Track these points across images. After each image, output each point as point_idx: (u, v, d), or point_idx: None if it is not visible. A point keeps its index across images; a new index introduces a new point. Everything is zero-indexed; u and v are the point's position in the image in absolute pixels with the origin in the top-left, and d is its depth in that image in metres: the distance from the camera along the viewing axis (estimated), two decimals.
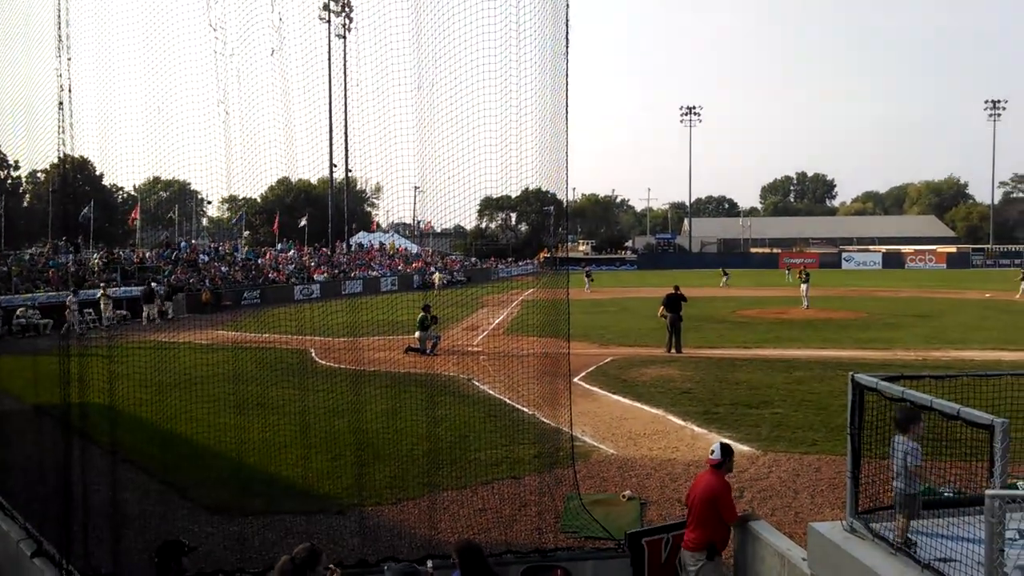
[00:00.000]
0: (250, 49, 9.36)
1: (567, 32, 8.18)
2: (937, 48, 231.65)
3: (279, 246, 61.48)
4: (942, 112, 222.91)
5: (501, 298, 40.22)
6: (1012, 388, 6.92)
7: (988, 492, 4.40)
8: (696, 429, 14.84)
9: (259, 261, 51.21)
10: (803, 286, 38.88)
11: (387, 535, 9.64)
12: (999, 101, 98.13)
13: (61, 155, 7.11)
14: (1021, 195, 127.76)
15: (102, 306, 31.75)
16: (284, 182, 79.14)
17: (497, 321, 31.74)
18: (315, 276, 50.74)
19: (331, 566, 6.76)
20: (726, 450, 7.73)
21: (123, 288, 36.83)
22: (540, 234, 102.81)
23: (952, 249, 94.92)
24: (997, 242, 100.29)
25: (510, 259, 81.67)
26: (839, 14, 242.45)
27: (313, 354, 23.31)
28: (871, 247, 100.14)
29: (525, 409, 15.61)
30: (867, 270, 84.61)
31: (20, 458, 11.83)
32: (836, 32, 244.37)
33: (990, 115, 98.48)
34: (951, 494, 6.38)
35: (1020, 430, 6.63)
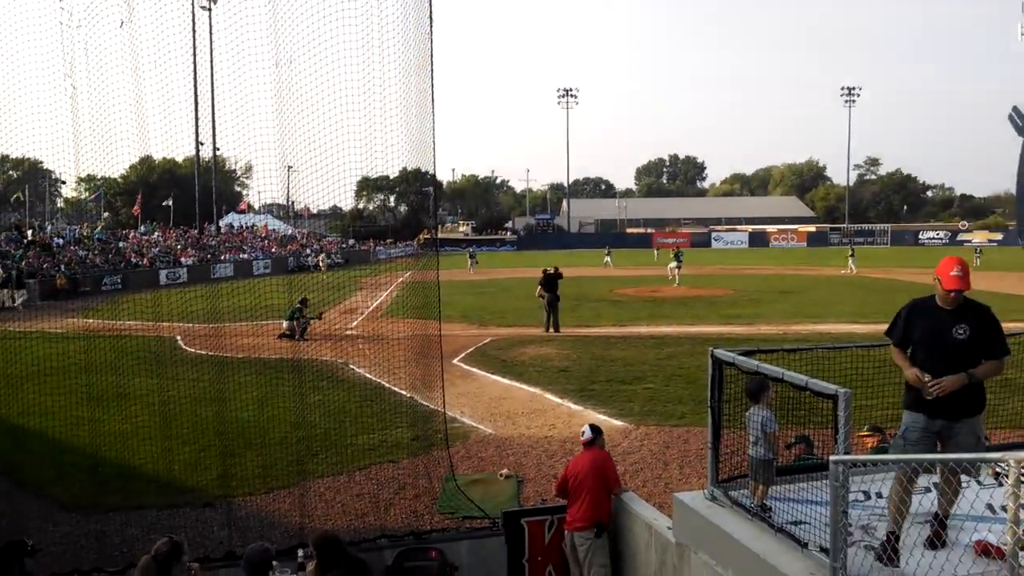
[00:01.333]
0: (99, 21, 8.76)
1: (431, 10, 8.05)
2: (799, 34, 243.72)
3: (142, 228, 58.41)
4: (804, 97, 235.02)
5: (380, 280, 39.67)
6: (862, 359, 7.39)
7: (832, 458, 4.65)
8: (572, 406, 15.12)
9: (121, 244, 48.48)
10: (672, 264, 40.26)
11: (258, 525, 9.36)
12: (854, 88, 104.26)
13: None
14: (873, 177, 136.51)
15: None
16: (146, 161, 75.13)
17: (375, 304, 31.31)
18: (182, 259, 48.53)
19: (192, 564, 6.50)
20: (595, 429, 7.99)
21: None
22: (419, 215, 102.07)
23: (812, 228, 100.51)
24: (852, 221, 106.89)
25: (389, 240, 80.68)
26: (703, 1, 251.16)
27: (180, 341, 22.30)
28: (738, 227, 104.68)
29: (403, 392, 15.48)
30: (735, 249, 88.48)
31: None
32: (707, 16, 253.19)
33: (846, 101, 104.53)
34: (814, 459, 6.74)
35: (877, 397, 7.10)
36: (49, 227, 51.93)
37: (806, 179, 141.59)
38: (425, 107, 8.41)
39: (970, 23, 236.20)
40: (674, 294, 35.97)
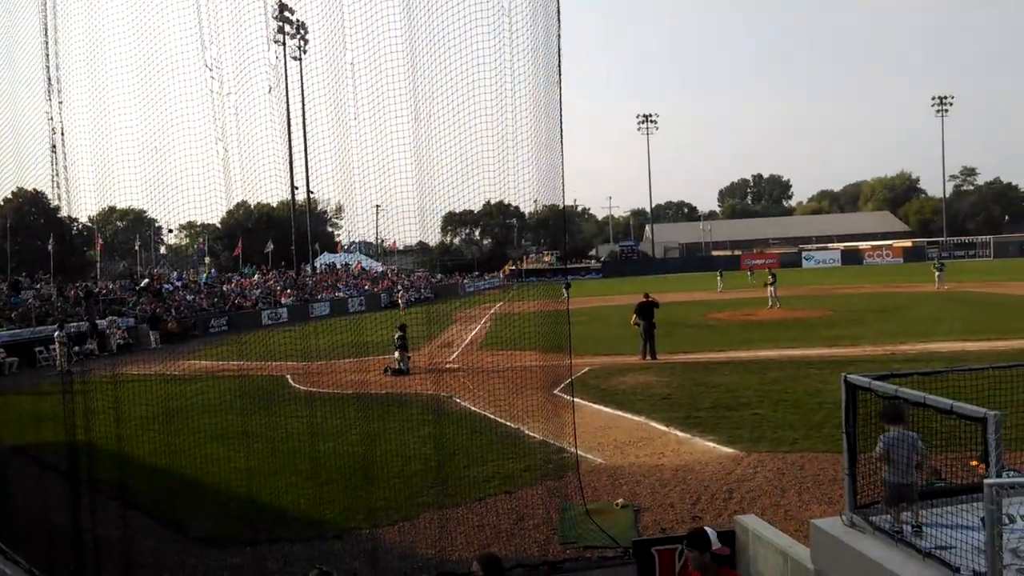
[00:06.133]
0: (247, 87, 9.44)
1: (559, 55, 8.36)
2: (880, 44, 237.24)
3: (244, 271, 60.89)
4: (891, 109, 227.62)
5: (471, 313, 40.29)
6: (993, 380, 7.26)
7: (987, 481, 4.64)
8: (680, 434, 15.07)
9: (224, 288, 50.66)
10: (770, 288, 39.50)
11: (387, 556, 9.70)
12: (946, 97, 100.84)
13: (57, 199, 7.12)
14: (970, 187, 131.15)
15: (57, 346, 30.59)
16: (242, 206, 78.47)
17: (470, 336, 31.81)
18: (282, 300, 50.34)
19: None
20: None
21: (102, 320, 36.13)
22: (504, 247, 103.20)
23: (907, 243, 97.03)
24: (950, 234, 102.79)
25: (476, 273, 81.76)
26: (786, 16, 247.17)
27: (290, 380, 23.18)
28: (830, 245, 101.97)
29: (509, 423, 15.77)
30: (827, 267, 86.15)
31: (8, 500, 11.66)
32: (781, 32, 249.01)
33: (937, 111, 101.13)
34: (942, 484, 6.66)
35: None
36: (176, 275, 54.62)
37: (898, 193, 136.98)
38: (553, 137, 8.70)
39: None
40: (771, 317, 35.34)
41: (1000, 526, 4.76)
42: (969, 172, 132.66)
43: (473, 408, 17.87)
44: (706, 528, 5.79)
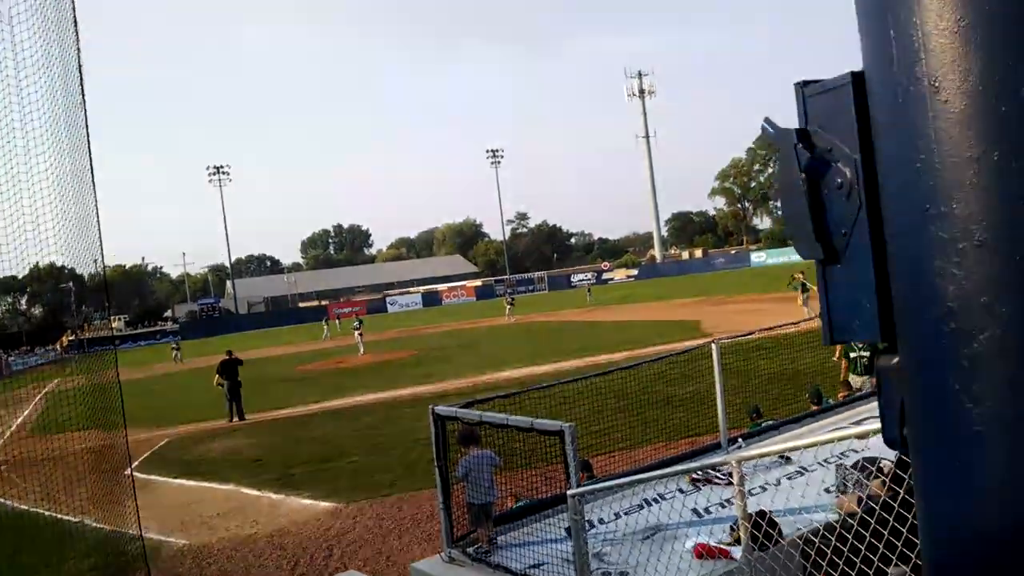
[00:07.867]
0: None
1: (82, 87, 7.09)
2: (430, 101, 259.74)
3: None
4: (454, 160, 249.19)
5: (19, 394, 34.29)
6: (562, 395, 7.72)
7: (569, 492, 4.69)
8: (274, 496, 14.11)
9: None
10: (356, 334, 40.10)
11: None
12: (497, 150, 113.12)
13: None
14: (524, 230, 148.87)
15: None
16: None
17: (17, 422, 26.92)
18: None
19: None
20: None
21: None
22: (59, 315, 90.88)
23: (478, 283, 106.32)
24: (512, 272, 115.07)
25: (25, 348, 70.57)
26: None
27: None
28: (411, 288, 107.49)
29: (70, 518, 13.35)
30: (410, 310, 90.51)
31: None
32: (346, 81, 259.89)
33: (492, 163, 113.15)
34: (524, 503, 6.81)
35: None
36: None
37: (467, 237, 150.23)
38: (85, 191, 7.34)
39: (594, 90, 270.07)
40: (362, 362, 35.67)
41: (584, 533, 4.86)
42: (522, 216, 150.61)
43: (20, 506, 14.87)
44: None
